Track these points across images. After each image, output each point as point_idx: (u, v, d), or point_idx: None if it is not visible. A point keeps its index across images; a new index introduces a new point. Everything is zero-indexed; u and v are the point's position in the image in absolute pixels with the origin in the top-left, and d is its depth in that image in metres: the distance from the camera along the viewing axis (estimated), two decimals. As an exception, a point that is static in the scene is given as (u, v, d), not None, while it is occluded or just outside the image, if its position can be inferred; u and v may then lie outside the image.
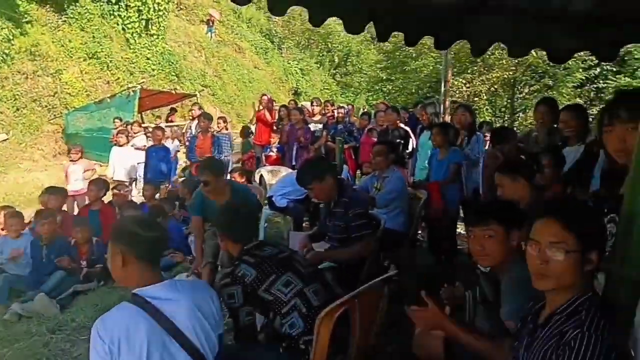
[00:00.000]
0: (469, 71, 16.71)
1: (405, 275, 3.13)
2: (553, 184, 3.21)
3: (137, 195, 7.19)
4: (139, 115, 12.49)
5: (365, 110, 13.39)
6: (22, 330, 3.75)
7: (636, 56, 13.55)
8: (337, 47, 27.71)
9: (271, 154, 7.43)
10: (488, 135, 5.67)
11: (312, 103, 8.50)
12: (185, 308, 1.75)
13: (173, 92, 14.53)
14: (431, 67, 19.45)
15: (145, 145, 7.95)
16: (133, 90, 12.21)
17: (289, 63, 26.18)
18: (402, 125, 6.28)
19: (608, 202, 1.83)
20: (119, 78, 15.75)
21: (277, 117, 8.38)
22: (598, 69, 14.19)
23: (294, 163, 7.07)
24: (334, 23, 29.20)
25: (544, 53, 3.94)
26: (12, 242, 4.53)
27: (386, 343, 2.78)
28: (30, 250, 4.44)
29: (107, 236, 4.77)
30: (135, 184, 7.67)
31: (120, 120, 10.21)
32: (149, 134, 8.60)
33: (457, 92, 15.49)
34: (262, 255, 2.26)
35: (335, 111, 7.95)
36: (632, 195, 1.60)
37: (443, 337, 1.93)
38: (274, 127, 8.21)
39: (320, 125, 7.81)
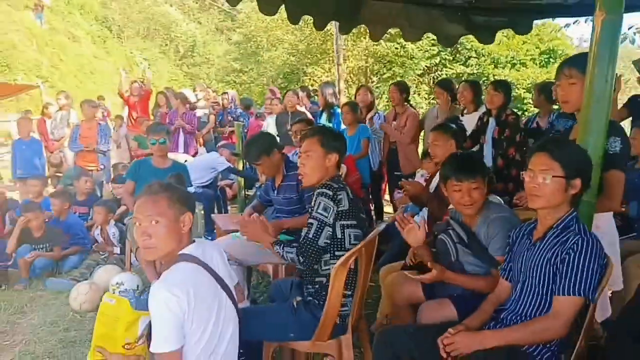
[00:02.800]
0: (323, 60, 17.54)
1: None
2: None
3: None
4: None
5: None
6: None
7: (467, 47, 15.58)
8: (181, 37, 26.76)
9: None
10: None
11: (194, 89, 8.28)
12: (218, 260, 1.88)
13: (12, 83, 12.85)
14: (284, 58, 20.00)
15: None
16: (-36, 83, 10.56)
17: (132, 52, 24.66)
18: (301, 109, 6.48)
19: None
20: None
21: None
22: (438, 58, 16.02)
23: (181, 151, 6.84)
24: (174, 12, 28.41)
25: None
26: None
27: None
28: None
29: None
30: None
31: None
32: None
33: (318, 80, 16.14)
34: (354, 198, 2.31)
35: (220, 98, 7.87)
36: (581, 142, 2.04)
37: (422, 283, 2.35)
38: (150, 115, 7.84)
39: (207, 111, 7.66)
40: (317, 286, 2.25)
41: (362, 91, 5.59)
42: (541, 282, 1.80)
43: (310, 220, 2.23)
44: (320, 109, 5.86)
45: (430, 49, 15.47)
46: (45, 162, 6.55)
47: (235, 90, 21.43)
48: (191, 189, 4.65)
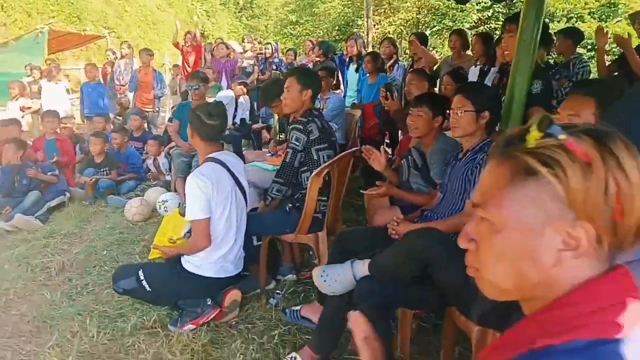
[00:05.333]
0: (375, 13, 17.63)
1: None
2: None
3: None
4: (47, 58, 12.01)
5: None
6: (18, 238, 4.18)
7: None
8: (242, -13, 27.13)
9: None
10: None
11: (243, 40, 8.91)
12: (239, 167, 2.69)
13: (82, 33, 13.97)
14: (339, 10, 20.17)
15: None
16: (41, 32, 11.66)
17: (193, 4, 25.28)
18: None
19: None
20: (16, 20, 14.78)
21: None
22: (490, 11, 15.74)
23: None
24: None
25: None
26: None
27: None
28: (1, 175, 4.71)
29: (66, 158, 5.29)
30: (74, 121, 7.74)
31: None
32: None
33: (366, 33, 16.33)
34: (324, 126, 2.94)
35: (263, 48, 8.48)
36: (512, 82, 2.53)
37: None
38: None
39: (252, 62, 8.32)
40: (302, 195, 2.92)
41: (385, 43, 6.03)
42: (457, 190, 2.36)
43: (287, 150, 2.93)
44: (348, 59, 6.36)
45: (483, 1, 15.21)
46: (108, 103, 7.48)
47: (292, 42, 21.95)
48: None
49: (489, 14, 15.88)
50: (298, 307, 2.78)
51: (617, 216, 0.64)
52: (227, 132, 5.79)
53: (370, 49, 8.38)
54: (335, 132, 4.81)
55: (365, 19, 12.92)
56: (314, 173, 2.73)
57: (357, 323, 0.88)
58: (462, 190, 2.33)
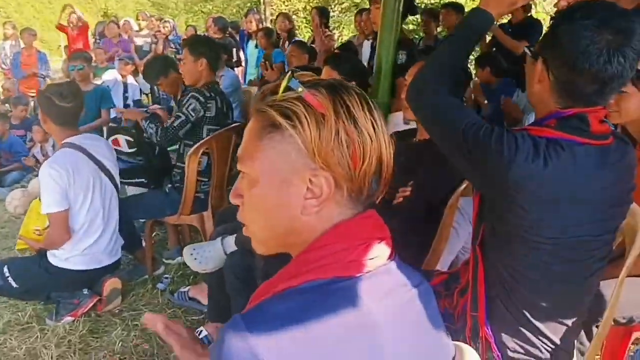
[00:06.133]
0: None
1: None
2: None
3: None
4: None
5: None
6: None
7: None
8: (150, -37, 25.73)
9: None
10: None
11: (137, 17, 8.49)
12: (104, 149, 2.51)
13: (-40, 13, 12.65)
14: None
15: None
16: None
17: (94, -20, 23.77)
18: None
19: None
20: None
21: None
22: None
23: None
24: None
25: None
26: None
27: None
28: None
29: None
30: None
31: None
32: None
33: (277, 9, 16.11)
34: (223, 107, 2.87)
35: (161, 26, 8.11)
36: (378, 54, 2.60)
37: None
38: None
39: (149, 39, 7.95)
40: (180, 174, 2.85)
41: (280, 18, 5.97)
42: None
43: (178, 113, 2.78)
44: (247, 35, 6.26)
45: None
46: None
47: (203, 20, 21.19)
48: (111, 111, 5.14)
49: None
50: (186, 289, 2.75)
51: (352, 164, 0.68)
52: (119, 116, 5.54)
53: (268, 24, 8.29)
54: (234, 109, 4.77)
55: None
56: (190, 150, 2.67)
57: (151, 322, 0.88)
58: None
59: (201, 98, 2.76)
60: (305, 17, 17.98)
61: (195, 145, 2.67)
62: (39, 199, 2.44)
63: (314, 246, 0.71)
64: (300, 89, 0.69)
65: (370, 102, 0.72)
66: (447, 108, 1.25)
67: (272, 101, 0.71)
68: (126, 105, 6.15)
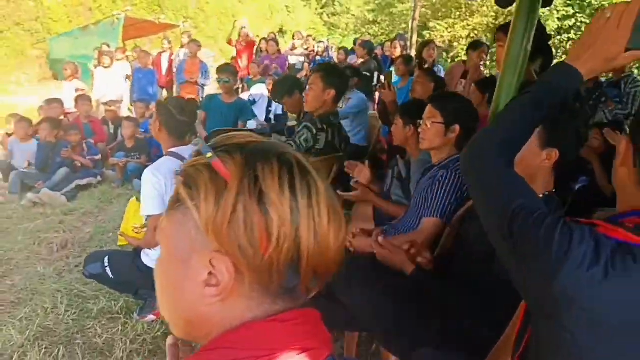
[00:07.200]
0: (452, 16, 17.09)
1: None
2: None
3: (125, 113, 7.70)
4: (123, 43, 12.70)
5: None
6: (39, 212, 4.45)
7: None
8: (326, -16, 27.17)
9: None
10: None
11: (293, 37, 8.97)
12: None
13: (156, 21, 14.63)
14: (418, 11, 19.71)
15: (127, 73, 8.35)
16: (117, 18, 12.34)
17: (275, -1, 25.76)
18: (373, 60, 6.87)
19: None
20: (100, 5, 15.77)
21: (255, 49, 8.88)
22: (573, 20, 14.74)
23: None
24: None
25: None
26: (22, 145, 5.14)
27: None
28: (37, 151, 5.04)
29: (99, 141, 5.59)
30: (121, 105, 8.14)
31: (109, 46, 10.48)
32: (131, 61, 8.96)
33: (439, 36, 15.91)
34: (334, 140, 2.84)
35: (315, 45, 8.47)
36: (497, 97, 2.30)
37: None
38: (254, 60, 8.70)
39: (302, 59, 8.35)
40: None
41: (426, 47, 5.80)
42: (415, 206, 2.21)
43: (290, 142, 2.81)
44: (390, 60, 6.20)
45: (563, 9, 14.29)
46: (158, 90, 7.78)
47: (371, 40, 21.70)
48: (251, 123, 5.42)
49: (570, 24, 14.88)
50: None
51: (253, 249, 0.55)
52: (259, 127, 5.85)
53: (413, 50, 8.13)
54: (358, 133, 4.71)
55: (411, 21, 12.52)
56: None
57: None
58: (419, 206, 2.17)
59: (313, 129, 2.76)
60: (467, 44, 17.46)
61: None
62: (136, 199, 2.61)
63: (207, 347, 0.59)
64: (209, 155, 0.57)
65: (300, 178, 0.57)
66: (502, 181, 1.00)
67: (186, 163, 0.60)
68: (268, 119, 6.49)
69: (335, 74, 2.89)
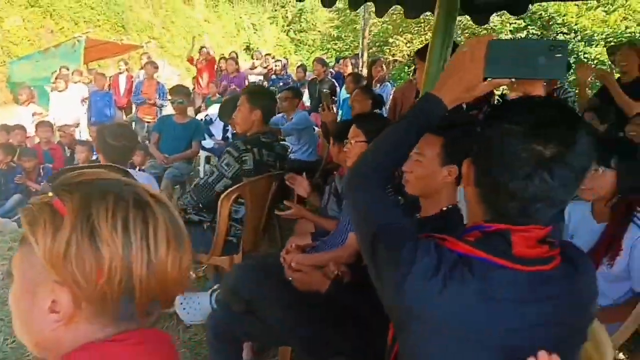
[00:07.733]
0: (411, 31, 17.54)
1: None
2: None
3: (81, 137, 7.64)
4: (85, 65, 12.61)
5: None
6: (-13, 240, 4.40)
7: (558, 21, 14.70)
8: (291, 2, 27.43)
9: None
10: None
11: (252, 56, 9.11)
12: (143, 182, 2.64)
13: (119, 43, 14.59)
14: (379, 27, 20.19)
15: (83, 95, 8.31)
16: (78, 40, 12.24)
17: (241, 17, 25.82)
18: (329, 77, 7.04)
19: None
20: (62, 27, 15.65)
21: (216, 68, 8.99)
22: (524, 32, 15.30)
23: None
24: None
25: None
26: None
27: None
28: (-12, 177, 5.00)
29: (58, 167, 5.54)
30: (78, 128, 8.08)
31: (67, 69, 10.40)
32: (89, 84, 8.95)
33: (398, 50, 16.28)
34: (262, 158, 2.82)
35: (273, 64, 8.61)
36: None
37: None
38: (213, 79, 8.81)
39: (261, 77, 8.48)
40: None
41: (377, 63, 6.01)
42: (344, 222, 2.31)
43: (213, 169, 2.87)
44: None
45: (515, 22, 14.84)
46: (115, 112, 7.78)
47: (334, 57, 21.97)
48: (208, 142, 5.48)
49: (522, 36, 15.45)
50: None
51: (85, 282, 0.64)
52: (215, 147, 5.90)
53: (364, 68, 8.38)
54: (306, 150, 4.81)
55: (361, 38, 12.90)
56: (223, 194, 2.72)
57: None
58: (347, 221, 2.28)
59: (234, 153, 2.76)
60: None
61: (227, 192, 2.72)
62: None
63: None
64: (50, 194, 0.66)
65: (134, 214, 0.66)
66: (373, 201, 1.08)
67: (32, 201, 0.68)
68: (225, 138, 6.55)
69: (259, 95, 2.97)
